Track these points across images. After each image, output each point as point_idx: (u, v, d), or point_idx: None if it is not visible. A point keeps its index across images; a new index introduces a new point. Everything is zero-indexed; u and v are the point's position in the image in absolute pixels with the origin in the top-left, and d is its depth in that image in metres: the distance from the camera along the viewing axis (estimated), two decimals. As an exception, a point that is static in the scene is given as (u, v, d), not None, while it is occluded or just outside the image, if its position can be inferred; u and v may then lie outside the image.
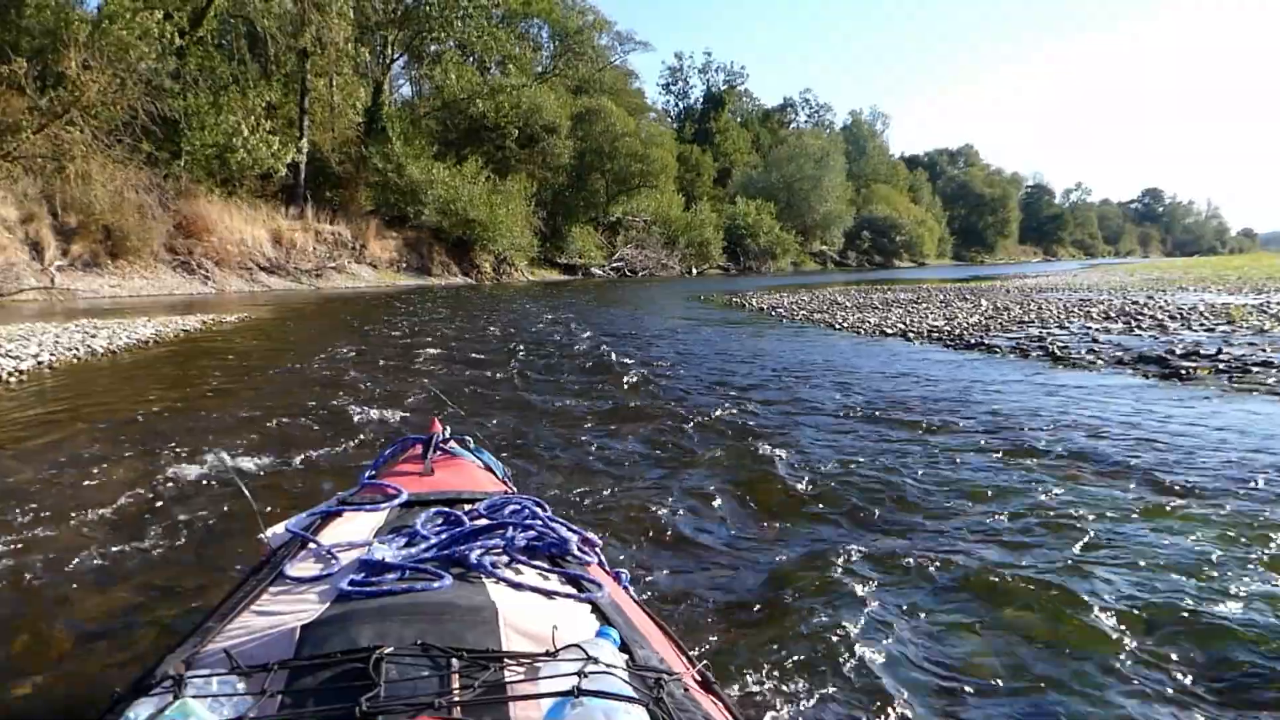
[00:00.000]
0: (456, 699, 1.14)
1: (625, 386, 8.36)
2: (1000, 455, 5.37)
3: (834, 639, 2.84)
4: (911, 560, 3.55)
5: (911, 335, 12.91)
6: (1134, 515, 4.12)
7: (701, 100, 75.00)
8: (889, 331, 13.61)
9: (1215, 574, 3.36)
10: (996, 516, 4.14)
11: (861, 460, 5.27)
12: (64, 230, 22.73)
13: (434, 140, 38.01)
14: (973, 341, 11.78)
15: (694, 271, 51.46)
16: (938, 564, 3.50)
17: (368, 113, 35.33)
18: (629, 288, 35.44)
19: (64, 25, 22.48)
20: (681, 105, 75.99)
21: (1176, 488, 4.56)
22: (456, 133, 40.03)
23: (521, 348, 11.68)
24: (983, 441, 5.73)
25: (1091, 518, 4.05)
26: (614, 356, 10.51)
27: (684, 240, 51.51)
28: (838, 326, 15.05)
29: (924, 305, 19.48)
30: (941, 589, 3.31)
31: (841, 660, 2.72)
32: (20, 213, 21.64)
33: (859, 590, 3.23)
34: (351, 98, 34.55)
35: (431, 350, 11.49)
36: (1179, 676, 2.64)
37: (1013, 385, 8.24)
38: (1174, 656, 2.75)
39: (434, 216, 34.47)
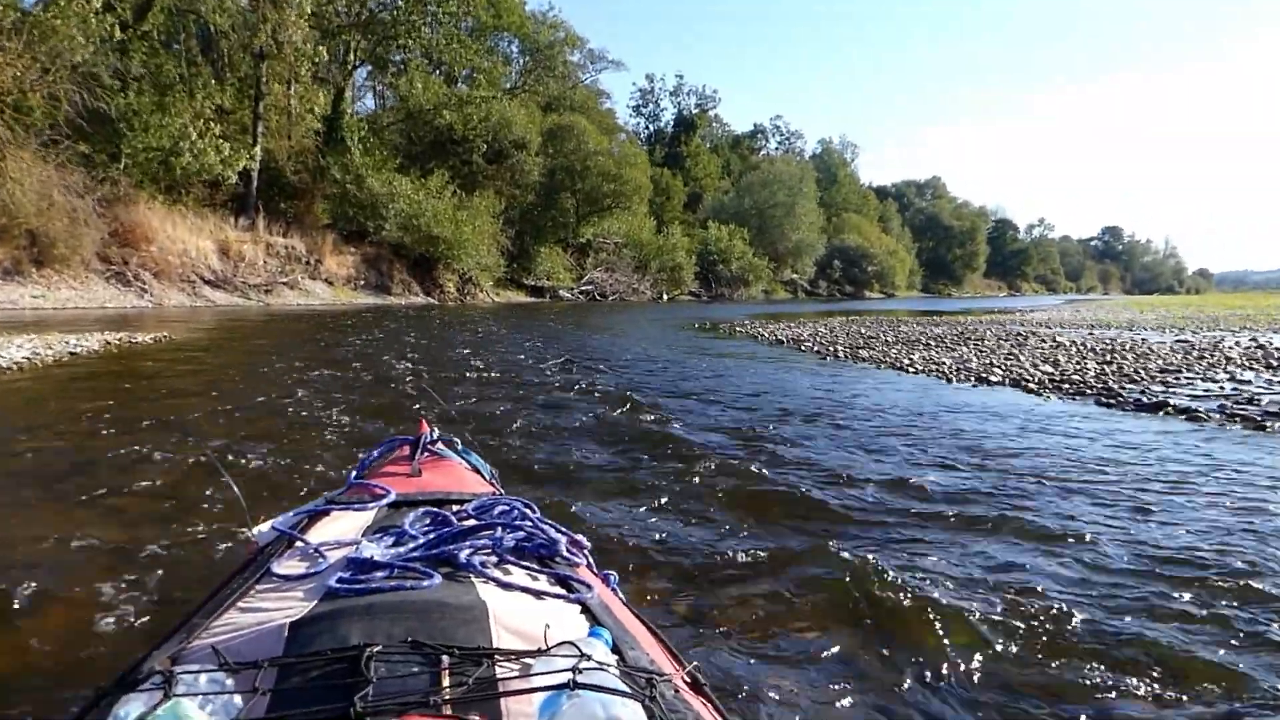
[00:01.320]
0: (447, 696, 1.12)
1: (696, 471, 5.26)
2: None
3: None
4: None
5: (1029, 385, 10.11)
6: None
7: (672, 123, 73.73)
8: (992, 379, 10.78)
9: None
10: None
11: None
12: (-19, 235, 20.56)
13: (397, 152, 35.99)
14: (1143, 400, 8.61)
15: (664, 297, 49.73)
16: None
17: (327, 121, 33.26)
18: (604, 312, 33.57)
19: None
20: (652, 128, 74.68)
21: None
22: (421, 145, 38.08)
23: (516, 389, 9.43)
24: None
25: None
26: (655, 421, 7.21)
27: (655, 264, 49.79)
28: (905, 368, 12.48)
29: (982, 343, 17.03)
30: None
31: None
32: (-71, 214, 19.50)
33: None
34: (310, 104, 32.48)
35: (393, 395, 9.32)
36: None
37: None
38: None
39: (395, 232, 32.42)
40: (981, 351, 14.75)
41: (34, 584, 3.17)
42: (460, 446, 2.92)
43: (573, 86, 54.06)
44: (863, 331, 20.81)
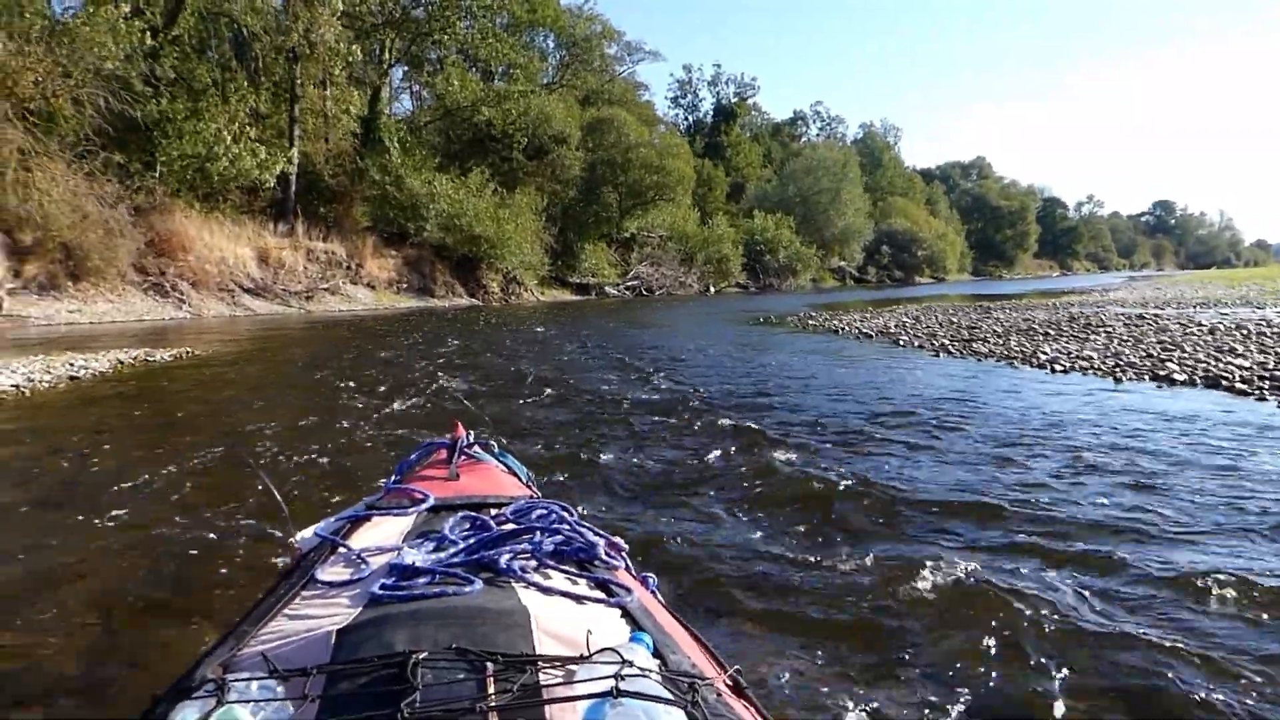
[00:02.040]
0: (493, 703, 1.13)
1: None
2: None
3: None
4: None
5: (1235, 384, 8.33)
6: None
7: (711, 113, 72.33)
8: (1176, 377, 9.00)
9: None
10: None
11: None
12: (17, 249, 19.97)
13: (436, 152, 35.22)
14: None
15: (712, 289, 48.58)
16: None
17: (364, 122, 32.58)
18: (654, 308, 32.56)
19: (18, 16, 19.77)
20: (691, 119, 73.12)
21: None
22: (460, 143, 37.26)
23: (581, 405, 8.27)
24: None
25: None
26: (803, 469, 5.36)
27: (701, 257, 48.60)
28: (1045, 364, 10.76)
29: (1111, 330, 15.19)
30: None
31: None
32: (-36, 230, 18.96)
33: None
34: (345, 105, 31.79)
35: (449, 403, 8.39)
36: None
37: None
38: None
39: (436, 233, 31.63)
40: (1122, 340, 13.22)
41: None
42: (497, 449, 2.93)
43: (610, 80, 53.07)
44: (955, 320, 19.50)
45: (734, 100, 72.57)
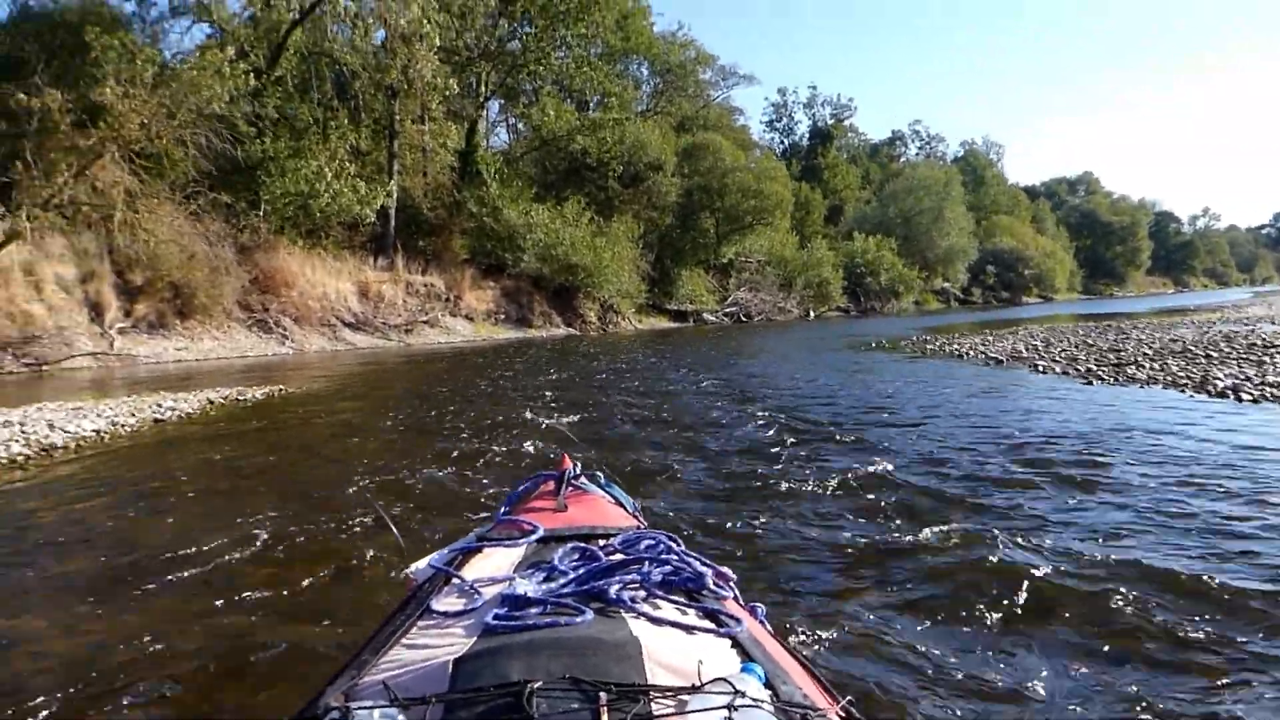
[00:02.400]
0: None
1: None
2: None
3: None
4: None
5: None
6: None
7: (808, 136, 71.46)
8: None
9: None
10: None
11: None
12: (128, 289, 20.40)
13: (532, 182, 35.20)
14: None
15: (811, 314, 47.55)
16: None
17: (461, 155, 32.74)
18: (754, 334, 31.82)
19: (128, 62, 20.24)
20: (787, 142, 72.39)
21: None
22: (555, 173, 37.24)
23: (699, 447, 7.48)
24: None
25: None
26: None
27: (801, 281, 47.62)
28: (1227, 393, 9.44)
29: None
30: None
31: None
32: (79, 270, 19.37)
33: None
34: (443, 139, 31.98)
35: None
36: None
37: None
38: None
39: (534, 263, 31.46)
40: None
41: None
42: (603, 480, 2.94)
43: (705, 105, 52.66)
44: (1091, 341, 18.18)
45: (830, 122, 71.63)
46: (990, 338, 21.54)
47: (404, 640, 1.55)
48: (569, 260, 31.87)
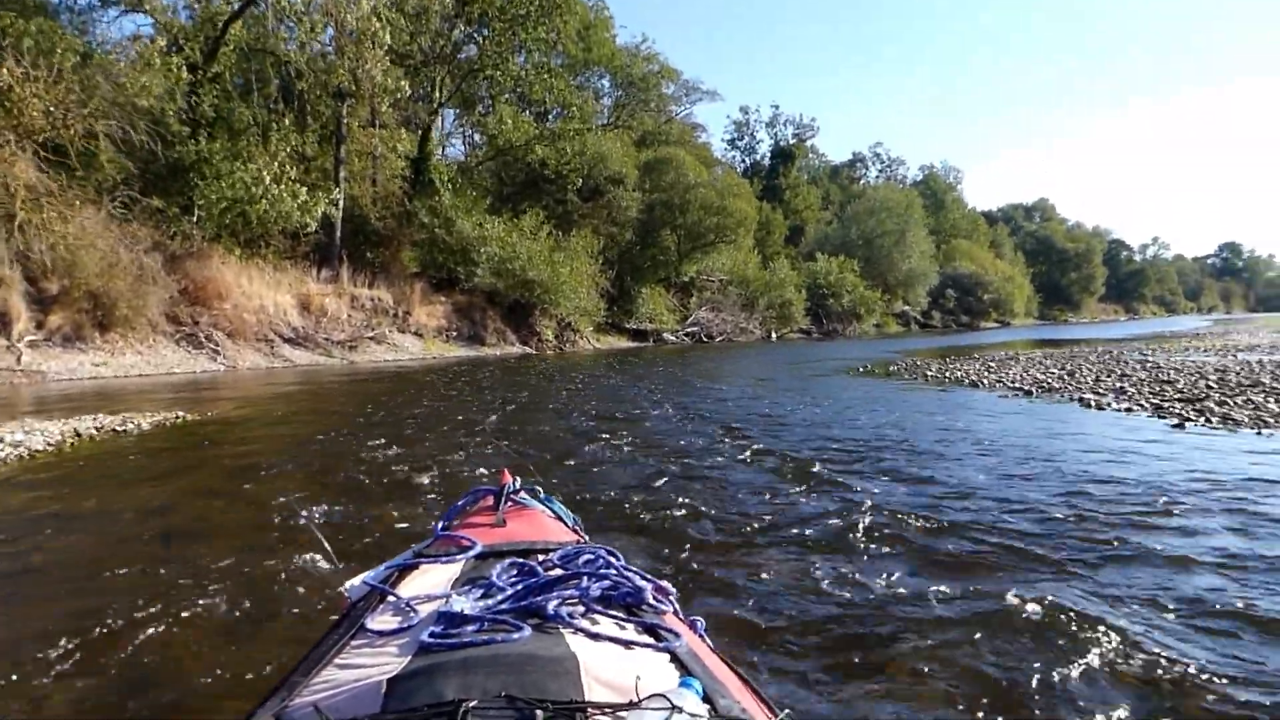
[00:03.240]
0: None
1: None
2: None
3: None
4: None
5: None
6: None
7: (769, 155, 70.55)
8: None
9: None
10: None
11: None
12: (41, 298, 18.59)
13: (488, 194, 33.69)
14: None
15: (773, 335, 46.40)
16: None
17: (413, 163, 31.13)
18: (721, 355, 30.43)
19: (46, 51, 18.50)
20: (748, 161, 71.52)
21: None
22: (512, 185, 35.76)
23: (693, 510, 5.75)
24: None
25: None
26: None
27: (763, 301, 46.43)
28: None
29: None
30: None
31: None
32: (-17, 278, 17.57)
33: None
34: (394, 143, 30.37)
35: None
36: None
37: None
38: None
39: (488, 278, 29.87)
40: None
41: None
42: (543, 495, 2.91)
43: (667, 120, 51.43)
44: (1125, 371, 16.71)
45: (792, 141, 70.78)
46: (991, 363, 20.28)
47: (337, 660, 1.50)
48: (525, 275, 30.32)
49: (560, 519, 2.78)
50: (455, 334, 29.63)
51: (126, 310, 19.29)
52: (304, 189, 23.77)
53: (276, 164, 23.43)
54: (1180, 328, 53.28)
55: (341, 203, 27.10)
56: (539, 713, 1.18)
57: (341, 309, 25.59)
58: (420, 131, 32.01)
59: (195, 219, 22.27)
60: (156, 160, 21.73)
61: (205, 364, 20.48)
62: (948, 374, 17.60)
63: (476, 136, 40.66)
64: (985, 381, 15.66)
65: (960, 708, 2.81)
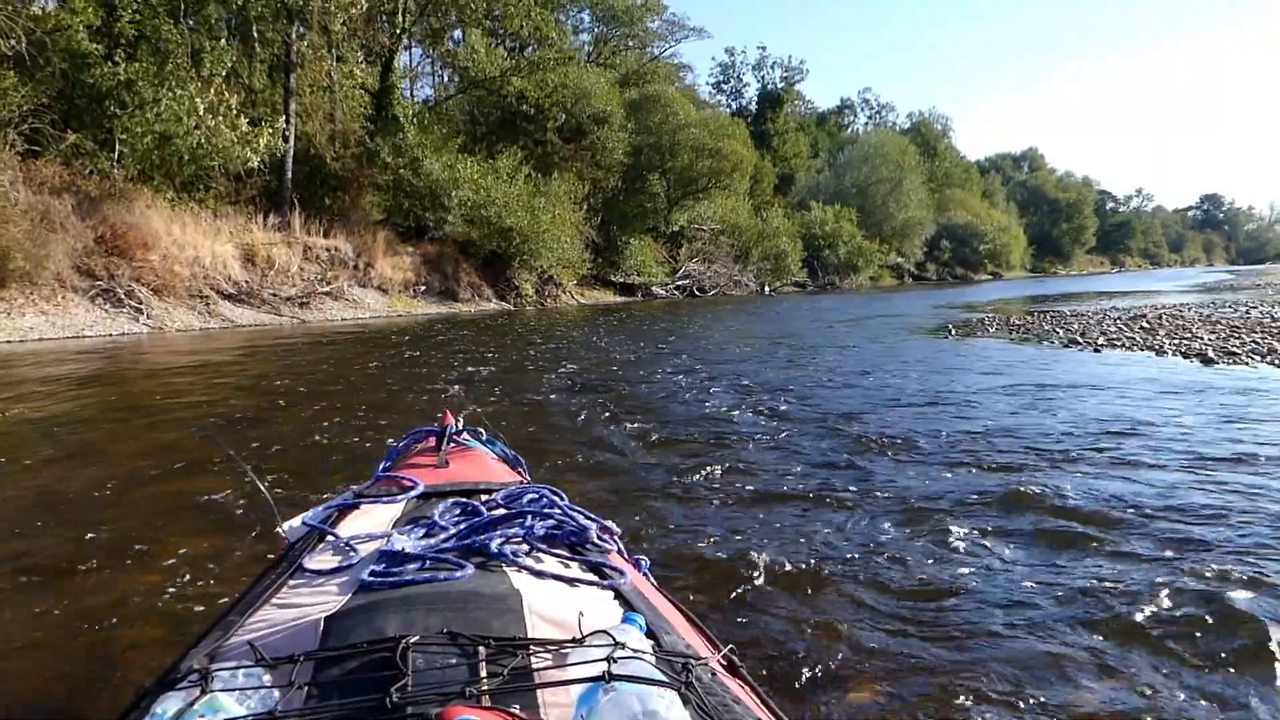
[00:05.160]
0: (485, 687, 1.11)
1: None
2: None
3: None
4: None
5: None
6: None
7: (756, 100, 66.84)
8: None
9: None
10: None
11: None
12: (-80, 248, 15.36)
13: (459, 132, 30.22)
14: None
15: (766, 289, 43.37)
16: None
17: (374, 97, 27.69)
18: (722, 311, 27.27)
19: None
20: (735, 105, 67.33)
21: None
22: (487, 124, 32.33)
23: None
24: None
25: None
26: None
27: (757, 252, 43.29)
28: None
29: None
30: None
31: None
32: None
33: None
34: (350, 67, 26.96)
35: None
36: None
37: None
38: None
39: (460, 226, 26.65)
40: None
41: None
42: (485, 436, 2.83)
43: (653, 60, 47.85)
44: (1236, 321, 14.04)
45: (780, 86, 67.00)
46: (1084, 317, 17.36)
47: (274, 600, 1.46)
48: (502, 223, 27.12)
49: (503, 459, 2.72)
50: (424, 289, 26.40)
51: (24, 263, 16.02)
52: (244, 119, 20.39)
53: (213, 91, 20.02)
54: (1192, 279, 50.58)
55: (292, 139, 23.70)
56: (481, 649, 1.17)
57: (292, 260, 22.28)
58: (382, 62, 28.47)
59: (116, 156, 18.97)
60: (69, 87, 18.44)
61: (126, 325, 17.30)
62: (1086, 335, 14.47)
63: (447, 77, 36.93)
64: (1154, 345, 12.46)
65: None
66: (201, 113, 19.42)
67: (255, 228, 22.10)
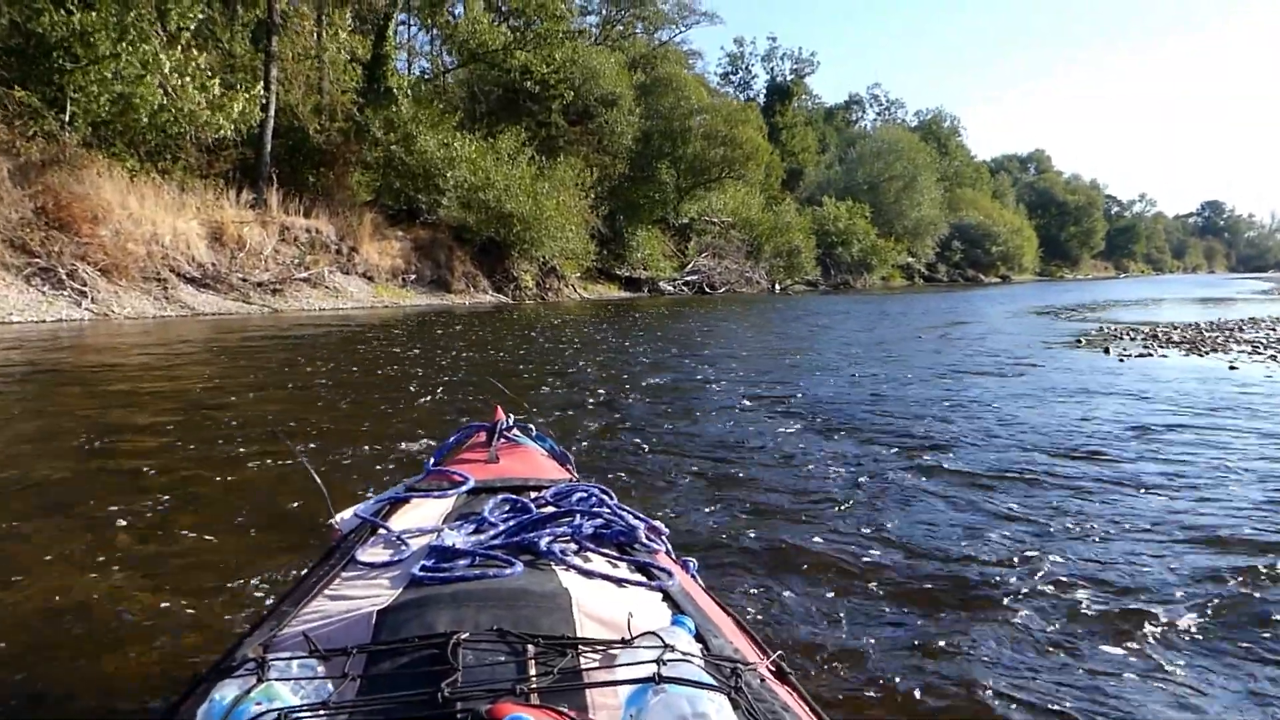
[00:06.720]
0: (534, 685, 1.11)
1: None
2: None
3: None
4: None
5: None
6: None
7: (765, 92, 64.44)
8: None
9: None
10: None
11: None
12: None
13: (457, 110, 27.85)
14: None
15: (777, 288, 41.09)
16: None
17: (366, 66, 25.32)
18: (745, 311, 24.87)
19: None
20: (743, 97, 65.03)
21: None
22: (488, 102, 29.97)
23: None
24: None
25: None
26: None
27: (770, 248, 41.01)
28: None
29: None
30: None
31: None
32: None
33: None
34: (335, 29, 24.61)
35: None
36: None
37: None
38: None
39: (456, 210, 24.38)
40: None
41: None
42: (535, 432, 2.80)
43: (662, 44, 45.49)
44: None
45: (790, 78, 64.61)
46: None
47: (326, 591, 1.47)
48: (501, 208, 24.80)
49: (553, 457, 2.68)
50: (414, 277, 24.04)
51: (-56, 234, 13.69)
52: (216, 82, 18.03)
53: (179, 49, 17.64)
54: (1231, 287, 48.18)
55: (273, 108, 21.32)
56: (530, 647, 1.16)
57: (266, 242, 19.86)
58: (376, 29, 26.07)
59: (68, 117, 16.62)
60: (18, 36, 16.15)
61: (66, 310, 14.96)
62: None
63: (446, 56, 34.45)
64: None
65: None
66: (167, 71, 17.06)
67: (226, 204, 19.71)
